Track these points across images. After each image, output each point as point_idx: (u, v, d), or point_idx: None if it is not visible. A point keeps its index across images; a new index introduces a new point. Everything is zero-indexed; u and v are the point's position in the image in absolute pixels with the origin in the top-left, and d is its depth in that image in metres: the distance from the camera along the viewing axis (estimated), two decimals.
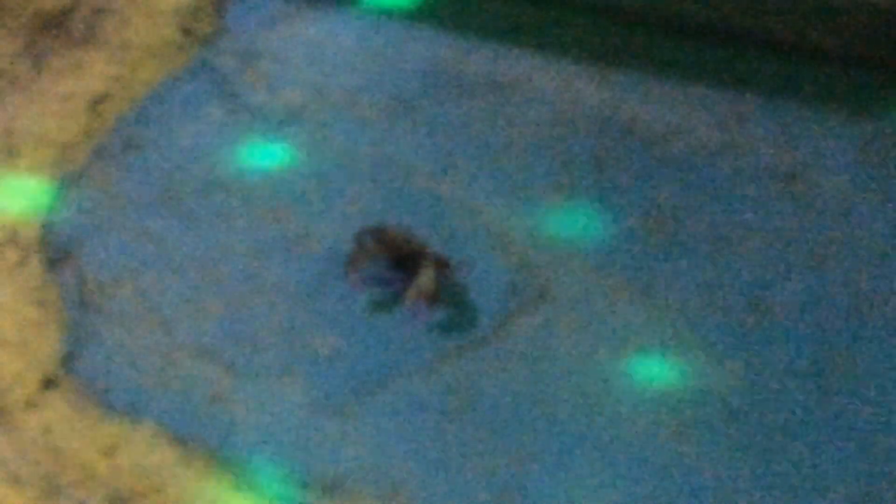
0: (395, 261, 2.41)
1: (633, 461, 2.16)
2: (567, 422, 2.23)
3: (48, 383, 2.28)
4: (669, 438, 2.19)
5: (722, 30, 2.80)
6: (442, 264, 2.37)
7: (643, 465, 2.15)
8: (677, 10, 2.79)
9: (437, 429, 2.23)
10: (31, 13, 2.79)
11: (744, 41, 2.79)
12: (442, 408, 2.26)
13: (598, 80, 2.71)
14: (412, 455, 2.20)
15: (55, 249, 2.45)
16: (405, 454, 2.20)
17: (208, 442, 2.21)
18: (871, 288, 2.33)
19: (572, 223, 2.50)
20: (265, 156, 2.60)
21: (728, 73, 2.73)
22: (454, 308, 2.38)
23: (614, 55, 2.75)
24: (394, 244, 2.39)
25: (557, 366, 2.30)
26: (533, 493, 2.15)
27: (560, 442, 2.20)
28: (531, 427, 2.23)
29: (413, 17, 2.83)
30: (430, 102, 2.69)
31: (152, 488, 2.16)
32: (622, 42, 2.78)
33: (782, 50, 2.78)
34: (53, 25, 2.77)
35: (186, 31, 2.78)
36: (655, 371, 2.28)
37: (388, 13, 2.85)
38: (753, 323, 2.35)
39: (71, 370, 2.29)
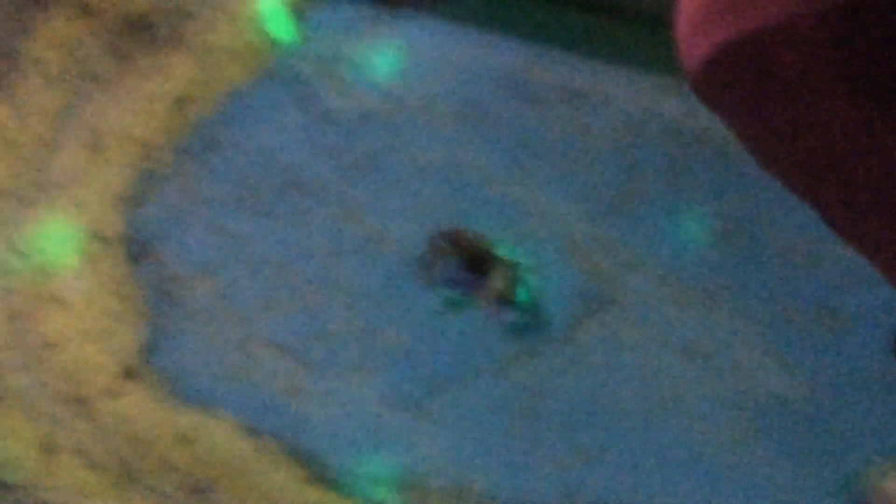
0: (468, 263, 2.42)
1: (698, 465, 2.16)
2: (633, 424, 2.23)
3: (127, 373, 2.31)
4: (735, 445, 2.19)
5: None
6: (514, 268, 2.38)
7: (707, 469, 2.15)
8: None
9: (507, 427, 2.24)
10: (116, 15, 2.83)
11: None
12: (512, 407, 2.27)
13: (670, 91, 2.71)
14: (483, 452, 2.21)
15: (137, 244, 2.48)
16: (476, 451, 2.21)
17: (283, 434, 2.23)
18: None
19: (643, 231, 2.50)
20: (341, 158, 2.62)
21: None
22: (524, 311, 2.39)
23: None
24: (467, 247, 2.41)
25: (625, 369, 2.31)
26: (598, 491, 2.16)
27: (626, 443, 2.21)
28: (598, 428, 2.23)
29: (489, 25, 2.85)
30: (503, 110, 2.70)
31: (227, 477, 2.19)
32: None
33: None
34: (138, 28, 2.81)
35: (265, 38, 2.81)
36: (723, 378, 2.28)
37: (465, 22, 2.86)
38: (824, 332, 2.34)
39: (150, 361, 2.33)
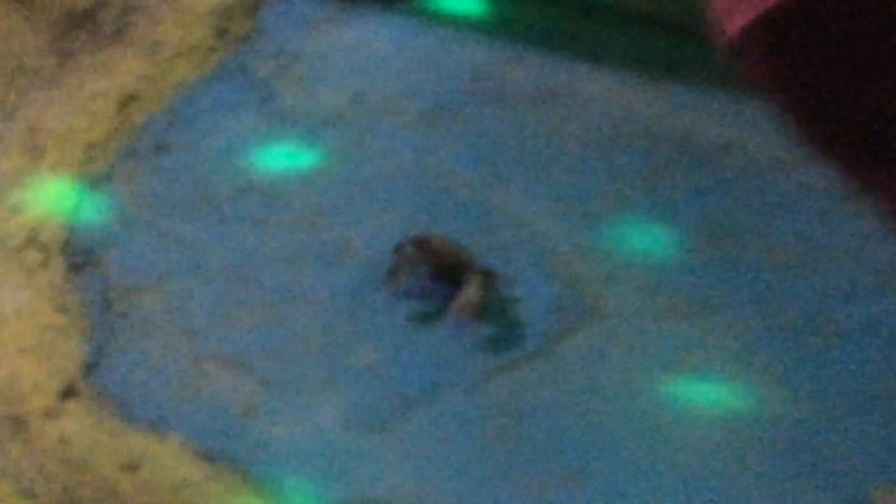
0: (438, 272, 2.25)
1: (688, 487, 1.99)
2: (618, 444, 2.06)
3: (68, 392, 2.12)
4: (727, 464, 2.02)
5: None
6: (488, 277, 2.22)
7: (698, 490, 1.99)
8: None
9: (482, 448, 2.07)
10: (59, 10, 2.65)
11: None
12: (488, 427, 2.09)
13: (649, 92, 2.57)
14: (456, 475, 2.03)
15: (79, 252, 2.30)
16: (449, 474, 2.04)
17: (238, 458, 2.05)
18: None
19: (623, 238, 2.35)
20: (301, 161, 2.45)
21: None
22: (500, 324, 2.23)
23: (666, 67, 2.61)
24: (437, 255, 2.24)
25: (608, 386, 2.14)
26: None
27: (611, 465, 2.04)
28: (580, 450, 2.06)
29: (455, 23, 2.69)
30: (472, 110, 2.54)
31: None
32: (674, 54, 2.63)
33: None
34: (82, 23, 2.64)
35: (220, 32, 2.64)
36: (712, 394, 2.12)
37: (431, 18, 2.71)
38: (817, 345, 2.19)
39: (92, 379, 2.14)
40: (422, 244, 2.24)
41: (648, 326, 2.22)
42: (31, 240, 2.30)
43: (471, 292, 2.20)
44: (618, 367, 2.17)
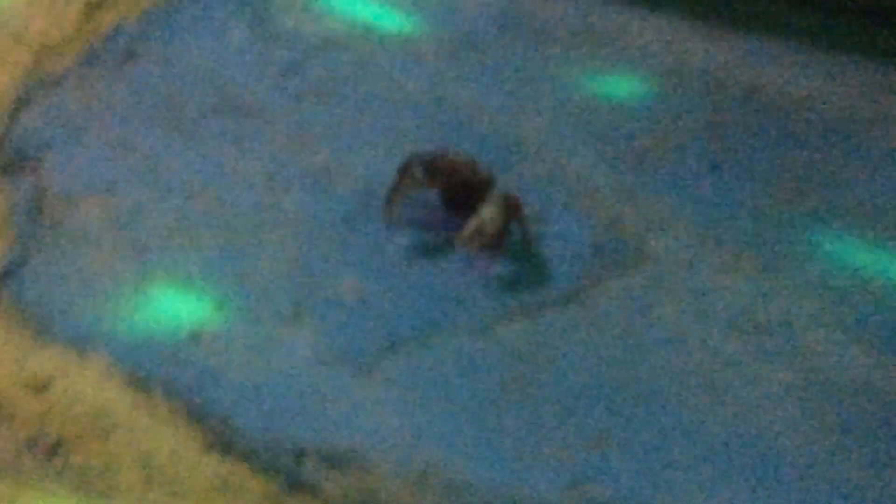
0: (450, 197, 1.85)
1: (751, 461, 1.56)
2: (662, 406, 1.64)
3: None
4: (803, 441, 1.59)
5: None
6: (510, 202, 1.80)
7: (765, 468, 1.55)
8: None
9: (491, 399, 1.63)
10: None
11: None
12: (496, 375, 1.67)
13: (708, 41, 2.22)
14: (454, 429, 1.60)
15: (12, 153, 1.93)
16: (444, 427, 1.60)
17: (177, 387, 1.62)
18: None
19: (676, 185, 1.96)
20: (292, 83, 2.08)
21: (870, 46, 2.23)
22: (521, 261, 1.81)
23: (729, 17, 2.26)
24: (452, 174, 1.83)
25: (651, 340, 1.73)
26: (614, 484, 1.54)
27: (653, 428, 1.61)
28: (613, 406, 1.63)
29: None
30: (502, 45, 2.19)
31: (92, 437, 1.57)
32: (738, 4, 2.29)
33: None
34: None
35: None
36: (784, 357, 1.70)
37: None
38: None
39: (8, 288, 1.73)
40: (433, 162, 1.84)
41: (705, 279, 1.81)
42: None
43: (486, 216, 1.79)
44: (665, 321, 1.75)
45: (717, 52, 2.19)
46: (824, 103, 2.10)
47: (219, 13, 2.20)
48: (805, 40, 2.24)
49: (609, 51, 2.13)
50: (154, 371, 1.64)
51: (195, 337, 1.68)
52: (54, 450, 1.54)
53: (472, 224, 1.78)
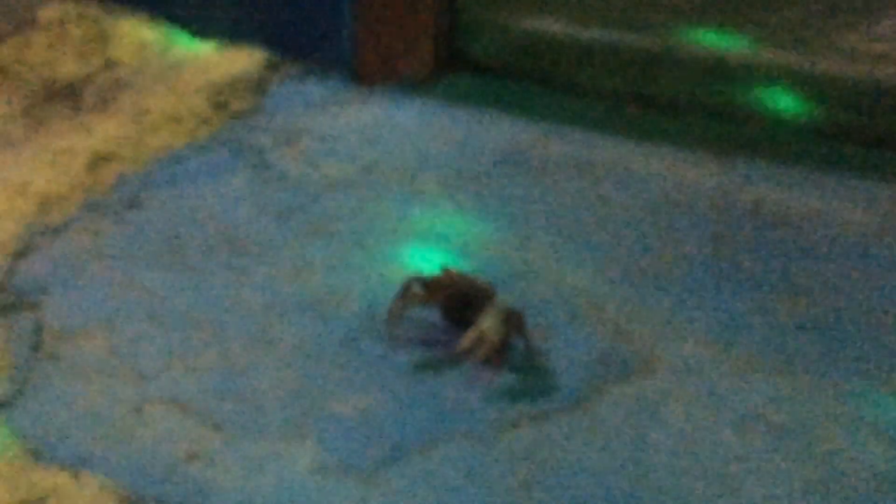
0: (451, 310, 1.83)
1: None
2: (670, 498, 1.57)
3: None
4: None
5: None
6: (512, 316, 1.78)
7: None
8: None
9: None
10: (38, 81, 2.41)
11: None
12: (505, 481, 1.61)
13: (711, 167, 2.24)
14: None
15: (14, 295, 1.93)
16: None
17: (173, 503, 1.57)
18: None
19: (683, 295, 1.94)
20: (295, 221, 2.10)
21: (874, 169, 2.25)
22: (527, 373, 1.78)
23: (729, 143, 2.30)
24: (451, 287, 1.82)
25: (661, 443, 1.68)
26: None
27: None
28: None
29: (487, 104, 2.40)
30: (503, 179, 2.21)
31: None
32: (739, 134, 2.32)
33: None
34: (62, 94, 2.38)
35: (218, 106, 2.37)
36: (803, 455, 1.65)
37: (454, 101, 2.43)
38: None
39: (7, 418, 1.70)
40: (433, 279, 1.83)
41: (714, 381, 1.78)
42: None
43: (486, 325, 1.76)
44: (674, 424, 1.71)
45: (719, 174, 2.21)
46: (829, 218, 2.11)
47: (221, 161, 2.23)
48: (807, 162, 2.26)
49: (610, 180, 2.12)
50: (148, 489, 1.59)
51: (192, 456, 1.64)
52: None
53: (471, 333, 1.76)
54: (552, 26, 2.55)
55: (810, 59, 2.40)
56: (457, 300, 1.82)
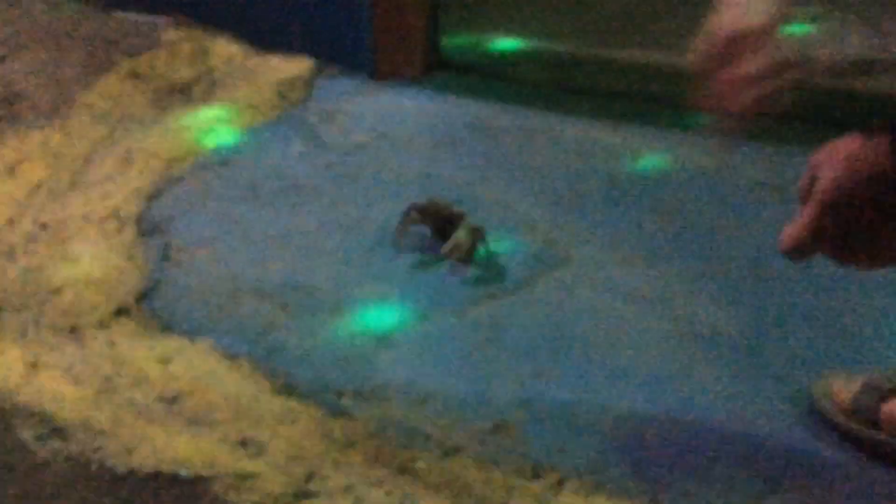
0: (437, 230, 1.83)
1: (646, 384, 1.50)
2: (584, 352, 1.59)
3: (120, 311, 1.68)
4: (681, 369, 1.53)
5: None
6: (476, 230, 1.78)
7: (655, 386, 1.49)
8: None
9: (467, 354, 1.59)
10: (163, 81, 2.37)
11: None
12: (472, 339, 1.62)
13: (612, 130, 2.20)
14: (444, 374, 1.55)
15: (149, 224, 1.91)
16: (438, 373, 1.55)
17: (256, 357, 1.58)
18: None
19: (590, 217, 1.93)
20: (334, 172, 2.08)
21: None
22: (486, 268, 1.78)
23: (630, 119, 2.25)
24: (436, 214, 1.82)
25: (575, 310, 1.68)
26: (554, 402, 1.49)
27: (578, 366, 1.55)
28: (551, 353, 1.58)
29: (460, 93, 2.37)
30: (470, 141, 2.19)
31: (199, 390, 1.52)
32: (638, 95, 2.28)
33: None
34: (179, 90, 2.34)
35: (282, 96, 2.34)
36: (664, 317, 1.65)
37: (441, 90, 2.39)
38: (757, 281, 1.73)
39: (143, 303, 1.70)
40: (425, 208, 1.83)
41: (610, 270, 1.77)
42: (112, 216, 1.91)
43: (461, 237, 1.76)
44: (584, 298, 1.71)
45: (618, 136, 2.17)
46: (688, 165, 2.08)
47: (284, 133, 2.20)
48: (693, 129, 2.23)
49: (543, 141, 2.10)
50: (241, 349, 1.60)
51: (268, 327, 1.65)
52: (175, 399, 1.51)
53: (449, 243, 1.76)
54: (506, 39, 2.53)
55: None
56: (440, 220, 1.81)
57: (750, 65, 1.01)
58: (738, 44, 1.01)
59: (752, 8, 1.00)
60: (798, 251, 1.08)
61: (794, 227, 1.07)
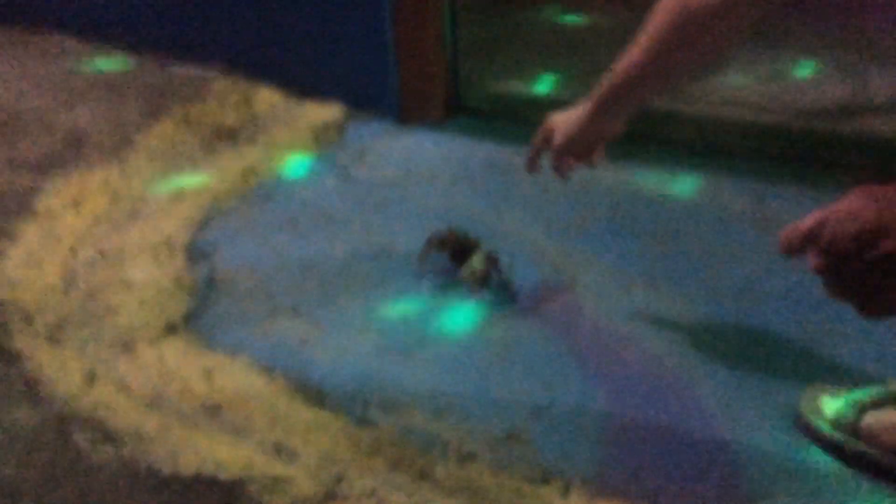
0: (454, 256, 1.81)
1: (647, 395, 1.46)
2: (590, 366, 1.56)
3: (170, 330, 1.67)
4: (677, 381, 1.49)
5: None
6: (490, 257, 1.76)
7: (655, 396, 1.45)
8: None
9: (481, 369, 1.56)
10: (212, 126, 2.38)
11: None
12: (486, 355, 1.60)
13: (610, 166, 2.17)
14: (461, 387, 1.53)
15: (197, 251, 1.91)
16: (455, 386, 1.53)
17: (291, 371, 1.56)
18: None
19: (595, 246, 1.90)
20: (364, 204, 2.07)
21: None
22: (499, 292, 1.76)
23: (629, 149, 2.22)
24: (453, 242, 1.80)
25: (581, 330, 1.65)
26: (564, 410, 1.46)
27: (584, 379, 1.52)
28: (561, 369, 1.55)
29: (478, 135, 2.36)
30: (486, 178, 2.17)
31: (238, 401, 1.51)
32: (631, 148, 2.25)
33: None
34: (226, 135, 2.35)
35: (317, 138, 2.33)
36: (661, 336, 1.61)
37: (461, 133, 2.38)
38: (746, 306, 1.69)
39: (190, 322, 1.69)
40: (444, 236, 1.81)
41: (613, 295, 1.74)
42: (165, 243, 1.91)
43: (475, 263, 1.74)
44: (590, 316, 1.68)
45: (615, 170, 2.15)
46: (673, 198, 2.05)
47: (320, 171, 2.19)
48: (679, 158, 2.20)
49: (551, 176, 2.08)
50: (277, 363, 1.58)
51: (303, 342, 1.63)
52: (216, 409, 1.49)
53: (466, 269, 1.74)
54: (517, 87, 2.52)
55: None
56: (457, 248, 1.80)
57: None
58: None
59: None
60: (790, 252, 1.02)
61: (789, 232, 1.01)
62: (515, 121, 2.43)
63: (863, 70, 2.53)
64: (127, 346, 1.63)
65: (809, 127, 2.24)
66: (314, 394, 1.52)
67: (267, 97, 2.52)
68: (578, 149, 1.57)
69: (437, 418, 1.46)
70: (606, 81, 1.42)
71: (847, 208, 0.96)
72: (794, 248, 0.99)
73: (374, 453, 1.40)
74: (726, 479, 1.33)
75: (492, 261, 1.76)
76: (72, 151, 2.25)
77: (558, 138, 1.57)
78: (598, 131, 1.52)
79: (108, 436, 1.43)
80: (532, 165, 1.65)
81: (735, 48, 1.29)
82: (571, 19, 2.96)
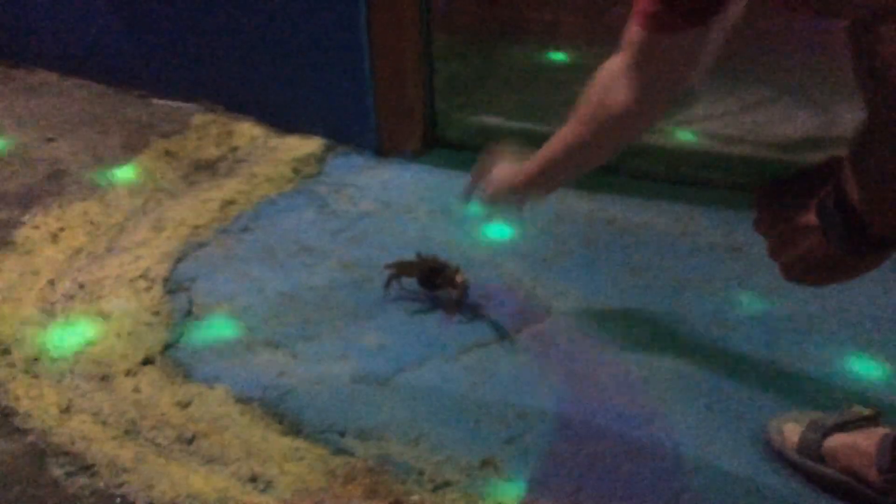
0: (422, 281, 1.82)
1: (619, 418, 1.47)
2: (563, 394, 1.57)
3: (147, 361, 1.67)
4: (646, 404, 1.51)
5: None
6: (464, 282, 1.78)
7: (626, 420, 1.47)
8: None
9: (456, 397, 1.58)
10: (192, 159, 2.39)
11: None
12: (461, 383, 1.61)
13: (585, 197, 2.20)
14: (436, 415, 1.54)
15: (175, 283, 1.91)
16: (430, 414, 1.54)
17: (267, 401, 1.57)
18: None
19: (566, 274, 1.92)
20: (342, 237, 2.08)
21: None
22: (474, 319, 1.77)
23: (603, 181, 2.25)
24: (422, 266, 1.82)
25: (553, 357, 1.67)
26: (534, 438, 1.47)
27: (558, 407, 1.54)
28: (535, 396, 1.57)
29: (451, 167, 2.38)
30: (461, 210, 2.18)
31: (215, 432, 1.51)
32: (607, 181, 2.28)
33: None
34: (206, 167, 2.36)
35: (296, 171, 2.34)
36: (633, 363, 1.63)
37: (437, 166, 2.40)
38: (715, 333, 1.71)
39: (167, 354, 1.69)
40: (412, 263, 1.83)
41: (585, 322, 1.76)
42: (143, 275, 1.91)
43: (452, 293, 1.76)
44: (561, 346, 1.70)
45: (590, 201, 2.18)
46: (654, 226, 2.08)
47: (298, 203, 2.20)
48: (647, 191, 2.23)
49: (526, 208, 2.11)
50: (255, 394, 1.59)
51: (281, 374, 1.64)
52: (192, 439, 1.49)
53: (443, 298, 1.76)
54: (492, 120, 2.55)
55: None
56: (425, 273, 1.81)
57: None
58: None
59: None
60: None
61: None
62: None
63: (830, 103, 2.59)
64: (104, 378, 1.63)
65: (779, 158, 2.29)
66: (290, 423, 1.52)
67: (247, 130, 2.53)
68: (506, 202, 1.66)
69: (412, 446, 1.47)
70: (534, 162, 1.50)
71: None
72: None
73: (350, 482, 1.40)
74: (699, 502, 1.34)
75: (465, 287, 1.77)
76: (52, 184, 2.26)
77: (491, 187, 1.66)
78: (523, 198, 1.64)
79: (84, 466, 1.43)
80: (467, 198, 1.73)
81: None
82: (558, 57, 3.00)
